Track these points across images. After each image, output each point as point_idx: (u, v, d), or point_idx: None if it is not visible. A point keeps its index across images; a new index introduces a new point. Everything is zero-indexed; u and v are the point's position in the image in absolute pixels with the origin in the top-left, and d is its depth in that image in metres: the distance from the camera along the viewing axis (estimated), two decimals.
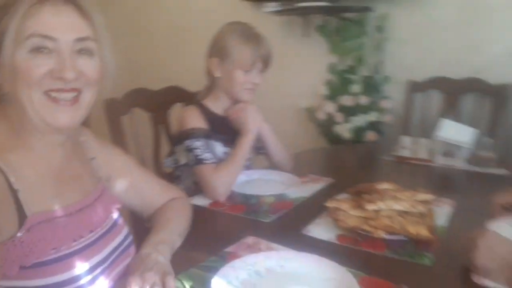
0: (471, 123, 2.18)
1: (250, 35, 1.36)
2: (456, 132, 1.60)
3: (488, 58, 2.20)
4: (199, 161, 1.27)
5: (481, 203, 1.05)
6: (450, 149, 1.62)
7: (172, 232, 0.91)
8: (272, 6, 2.52)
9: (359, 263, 0.90)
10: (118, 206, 0.88)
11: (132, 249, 0.87)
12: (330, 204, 1.10)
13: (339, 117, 2.34)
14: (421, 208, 1.05)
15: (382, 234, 0.97)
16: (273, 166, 1.51)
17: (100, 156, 0.91)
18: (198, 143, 1.30)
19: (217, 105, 1.43)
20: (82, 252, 0.75)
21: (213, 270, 0.83)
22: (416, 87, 2.38)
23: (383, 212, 1.03)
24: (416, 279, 0.84)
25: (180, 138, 1.36)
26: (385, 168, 1.47)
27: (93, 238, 0.79)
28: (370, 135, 2.26)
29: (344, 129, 2.29)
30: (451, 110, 2.27)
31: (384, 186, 1.16)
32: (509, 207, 1.00)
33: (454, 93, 2.27)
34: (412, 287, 0.78)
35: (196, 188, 1.44)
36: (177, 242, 0.91)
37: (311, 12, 2.53)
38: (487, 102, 2.22)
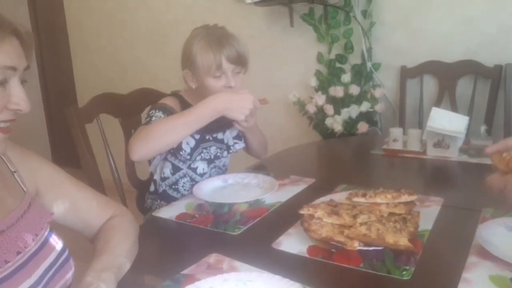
0: (467, 108, 2.07)
1: (212, 38, 1.24)
2: (448, 121, 1.49)
3: (482, 37, 2.07)
4: (147, 123, 1.20)
5: (472, 198, 0.95)
6: (442, 140, 1.51)
7: (115, 255, 0.81)
8: None
9: (330, 280, 0.81)
10: (48, 220, 0.80)
11: (70, 264, 0.79)
12: (304, 211, 1.01)
13: (329, 109, 2.23)
14: (403, 211, 0.96)
15: (357, 247, 0.87)
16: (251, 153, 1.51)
17: (22, 169, 0.82)
18: (160, 114, 1.22)
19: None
20: (11, 277, 0.67)
21: None
22: (408, 73, 2.27)
23: (360, 218, 0.94)
24: None
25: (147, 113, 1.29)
26: (374, 164, 1.35)
27: (22, 260, 0.70)
28: (362, 126, 2.16)
29: (335, 122, 2.18)
30: (445, 96, 2.16)
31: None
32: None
33: (448, 77, 2.15)
34: None
35: (170, 188, 1.36)
36: (125, 265, 0.82)
37: (295, 0, 2.42)
38: (483, 85, 2.09)
